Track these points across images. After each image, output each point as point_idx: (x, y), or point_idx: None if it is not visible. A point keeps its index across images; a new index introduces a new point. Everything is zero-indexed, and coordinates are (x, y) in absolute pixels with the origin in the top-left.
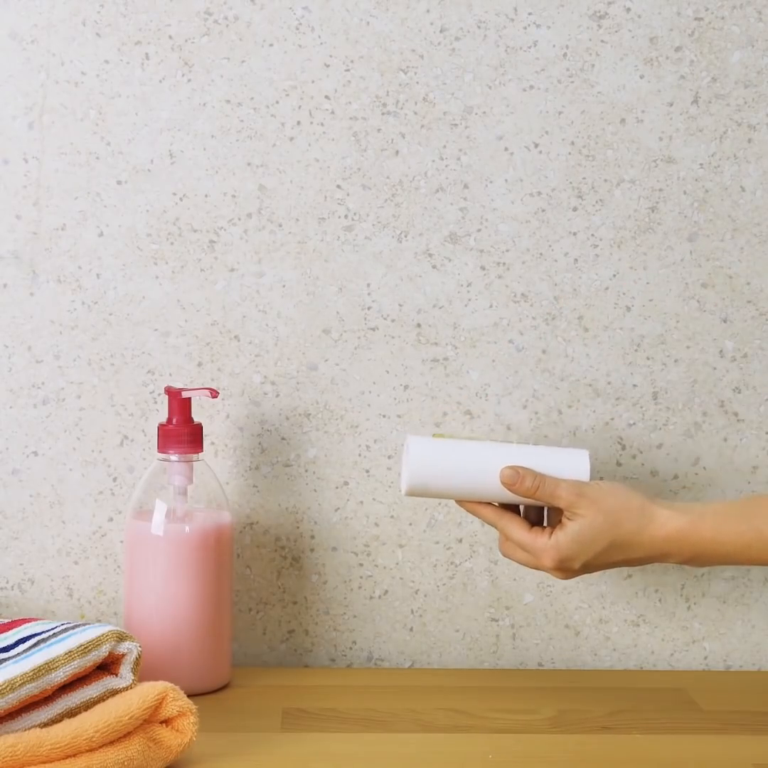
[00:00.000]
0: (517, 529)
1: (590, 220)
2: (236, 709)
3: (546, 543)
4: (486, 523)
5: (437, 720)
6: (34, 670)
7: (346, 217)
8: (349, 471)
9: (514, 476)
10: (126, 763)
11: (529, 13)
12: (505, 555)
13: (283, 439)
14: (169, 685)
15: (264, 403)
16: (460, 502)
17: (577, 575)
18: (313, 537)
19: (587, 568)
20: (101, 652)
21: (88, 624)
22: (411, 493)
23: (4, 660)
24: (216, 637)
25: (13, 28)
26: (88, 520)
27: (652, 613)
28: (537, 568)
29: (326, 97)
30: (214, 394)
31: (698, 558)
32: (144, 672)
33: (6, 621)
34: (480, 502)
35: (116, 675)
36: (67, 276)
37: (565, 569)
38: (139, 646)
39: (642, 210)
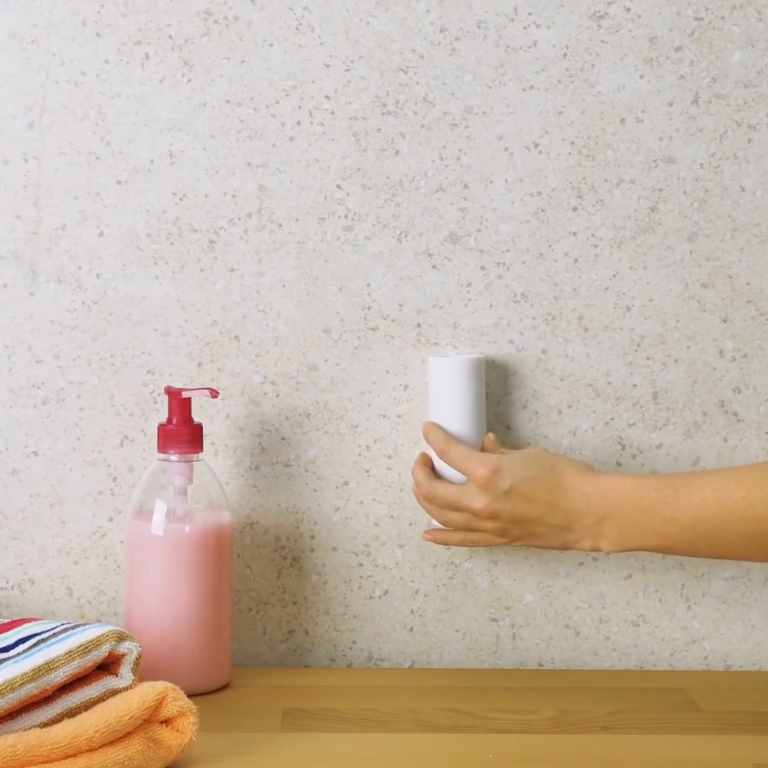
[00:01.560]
0: (462, 447)
1: (590, 220)
2: (236, 709)
3: (488, 456)
4: (432, 442)
5: (437, 720)
6: (34, 670)
7: (346, 217)
8: (349, 471)
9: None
10: (126, 763)
11: (529, 13)
12: (425, 490)
13: (283, 439)
14: (169, 685)
15: (264, 403)
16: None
17: (498, 510)
18: (313, 537)
19: (512, 495)
20: (101, 652)
21: (88, 624)
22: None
23: (4, 660)
24: (216, 637)
25: (13, 28)
26: (88, 520)
27: (652, 613)
28: (459, 499)
29: (326, 97)
30: (214, 394)
31: (620, 513)
32: (144, 672)
33: (6, 621)
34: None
35: (116, 675)
36: (67, 276)
37: (493, 487)
38: (139, 646)
39: (642, 210)
